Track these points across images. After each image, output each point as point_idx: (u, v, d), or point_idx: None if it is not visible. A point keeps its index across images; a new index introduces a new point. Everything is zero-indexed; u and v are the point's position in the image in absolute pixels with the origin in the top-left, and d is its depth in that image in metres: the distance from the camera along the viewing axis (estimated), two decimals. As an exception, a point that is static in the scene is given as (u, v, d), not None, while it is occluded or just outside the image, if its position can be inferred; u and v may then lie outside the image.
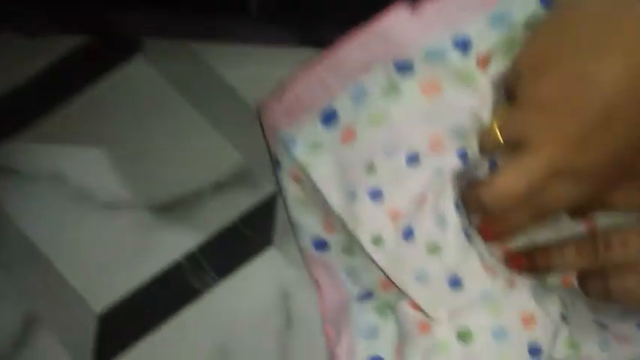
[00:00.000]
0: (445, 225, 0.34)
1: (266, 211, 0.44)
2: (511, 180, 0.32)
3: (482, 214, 0.36)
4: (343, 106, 0.35)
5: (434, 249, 0.34)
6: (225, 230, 0.44)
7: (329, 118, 0.35)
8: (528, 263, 0.36)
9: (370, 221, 0.34)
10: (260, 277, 0.43)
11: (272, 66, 0.44)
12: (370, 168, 0.34)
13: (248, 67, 0.46)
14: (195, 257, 0.43)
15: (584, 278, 0.36)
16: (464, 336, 0.33)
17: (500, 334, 0.33)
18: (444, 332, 0.33)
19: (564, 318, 0.34)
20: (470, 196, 0.34)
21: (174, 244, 0.44)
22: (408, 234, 0.34)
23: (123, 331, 0.42)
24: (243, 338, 0.42)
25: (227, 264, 0.43)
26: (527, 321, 0.33)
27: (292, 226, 0.39)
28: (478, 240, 0.35)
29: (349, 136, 0.35)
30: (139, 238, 0.44)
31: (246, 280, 0.43)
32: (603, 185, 0.33)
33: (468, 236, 0.34)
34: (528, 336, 0.33)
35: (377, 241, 0.34)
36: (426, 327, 0.34)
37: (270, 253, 0.43)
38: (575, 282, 0.37)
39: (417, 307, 0.34)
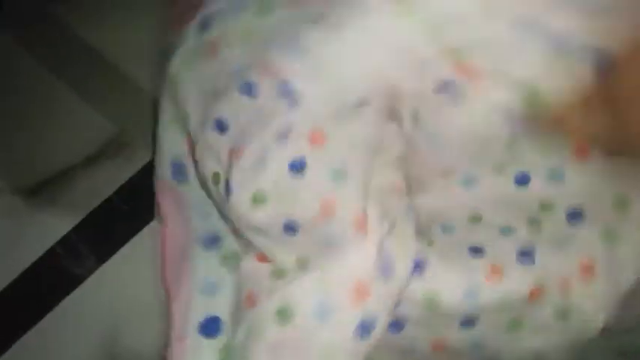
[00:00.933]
0: (265, 165, 0.30)
1: (143, 183, 0.39)
2: None
3: None
4: (220, 13, 0.31)
5: (260, 199, 0.30)
6: (101, 208, 0.40)
7: (205, 24, 0.31)
8: None
9: (212, 155, 0.31)
10: (144, 254, 0.39)
11: (135, 22, 0.40)
12: (219, 94, 0.31)
13: (110, 25, 0.42)
14: (71, 241, 0.39)
15: None
16: (283, 314, 0.29)
17: (323, 313, 0.29)
18: (265, 309, 0.29)
19: (422, 266, 0.31)
20: None
21: (48, 229, 0.39)
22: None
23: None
24: (132, 322, 0.38)
25: (107, 244, 0.39)
26: (361, 294, 0.29)
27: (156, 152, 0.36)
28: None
29: (213, 50, 0.31)
30: (7, 227, 0.39)
31: (130, 259, 0.39)
32: None
33: (298, 169, 0.30)
34: (360, 312, 0.29)
35: (216, 179, 0.31)
36: (251, 300, 0.30)
37: (152, 227, 0.39)
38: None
39: (264, 258, 0.31)
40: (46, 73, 0.42)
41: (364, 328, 0.29)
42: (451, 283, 0.30)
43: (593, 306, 0.31)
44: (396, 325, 0.30)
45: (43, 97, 0.41)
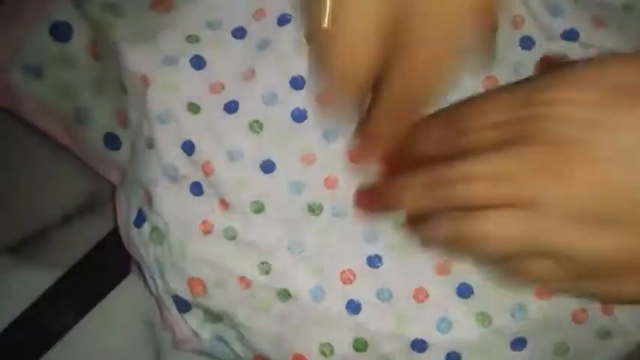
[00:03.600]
0: (274, 102, 0.33)
1: (119, 238, 0.41)
2: (355, 21, 0.22)
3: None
4: None
5: (255, 126, 0.33)
6: (79, 265, 0.41)
7: None
8: (374, 200, 0.29)
9: (188, 87, 0.33)
10: (122, 309, 0.40)
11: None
12: (192, 38, 0.33)
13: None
14: (51, 298, 0.40)
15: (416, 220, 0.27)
16: (283, 296, 0.34)
17: (318, 293, 0.33)
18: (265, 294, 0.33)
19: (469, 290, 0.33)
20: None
21: (26, 287, 0.40)
22: (232, 108, 0.33)
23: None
24: (112, 376, 0.39)
25: (85, 300, 0.40)
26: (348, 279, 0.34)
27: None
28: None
29: (166, 6, 0.33)
30: (-12, 286, 0.41)
31: (109, 313, 0.40)
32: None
33: (300, 118, 0.33)
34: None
35: (194, 108, 0.33)
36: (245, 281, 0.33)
37: (129, 281, 0.40)
38: None
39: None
40: (19, 133, 0.43)
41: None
42: (498, 302, 0.32)
43: (635, 321, 0.32)
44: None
45: (18, 157, 0.42)
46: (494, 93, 0.26)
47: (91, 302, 0.40)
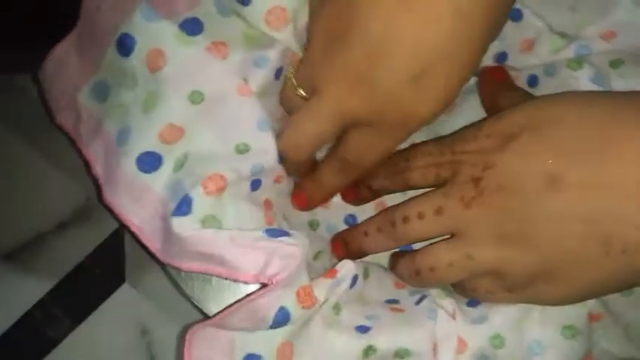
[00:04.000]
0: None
1: (114, 246, 0.41)
2: (298, 126, 0.29)
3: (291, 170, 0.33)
4: None
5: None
6: (74, 272, 0.41)
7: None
8: (344, 249, 0.34)
9: None
10: (117, 316, 0.40)
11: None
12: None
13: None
14: (46, 305, 0.41)
15: (393, 259, 0.33)
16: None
17: None
18: None
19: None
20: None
21: (23, 294, 0.41)
22: None
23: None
24: (106, 383, 0.40)
25: (81, 307, 0.41)
26: None
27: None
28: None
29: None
30: (-17, 293, 0.41)
31: (103, 321, 0.40)
32: (402, 137, 0.30)
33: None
34: None
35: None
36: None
37: (124, 289, 0.41)
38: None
39: None
40: (16, 142, 0.43)
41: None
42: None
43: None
44: None
45: (15, 165, 0.43)
46: (425, 143, 0.32)
47: (86, 310, 0.40)
